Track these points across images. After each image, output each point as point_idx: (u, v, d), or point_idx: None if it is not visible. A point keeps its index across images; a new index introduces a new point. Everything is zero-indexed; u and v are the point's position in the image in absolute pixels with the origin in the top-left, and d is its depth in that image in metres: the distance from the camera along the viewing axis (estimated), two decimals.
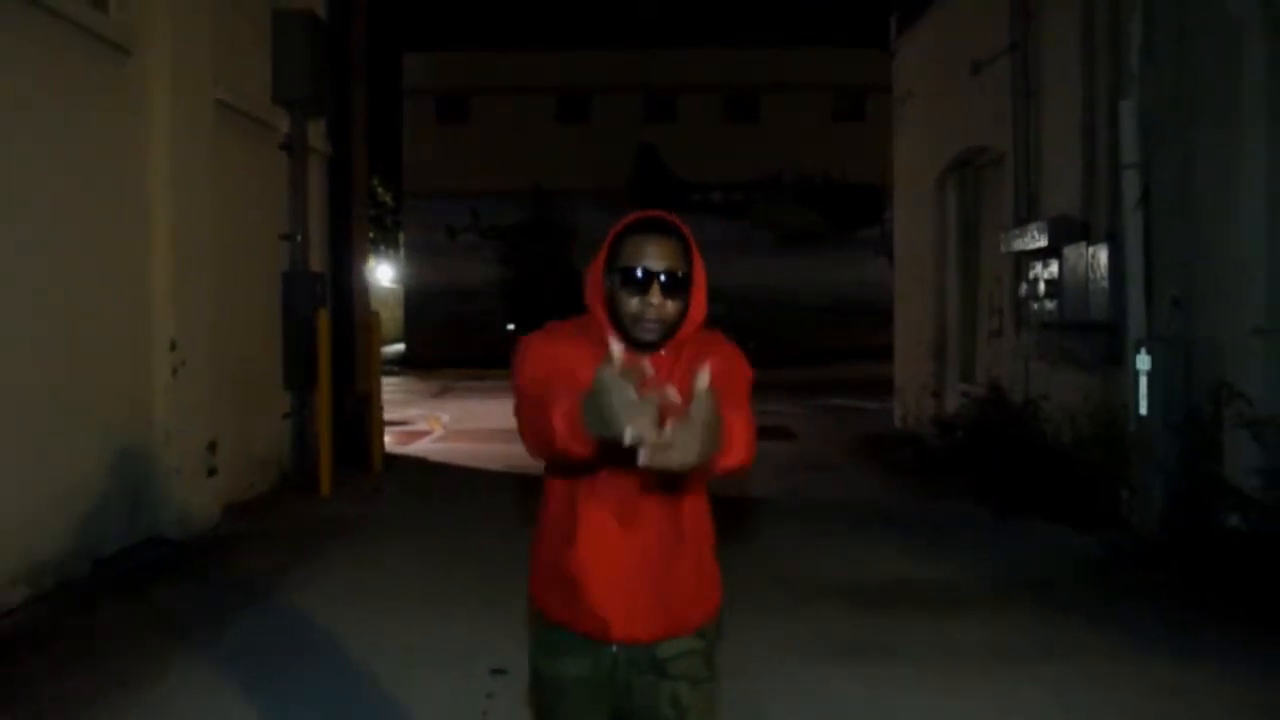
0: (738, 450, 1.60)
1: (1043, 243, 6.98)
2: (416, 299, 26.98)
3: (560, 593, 1.86)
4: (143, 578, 5.19)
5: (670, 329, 1.82)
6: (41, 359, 4.95)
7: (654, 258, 1.77)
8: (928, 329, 10.48)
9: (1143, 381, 5.54)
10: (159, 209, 6.01)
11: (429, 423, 13.46)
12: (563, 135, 26.69)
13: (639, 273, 1.77)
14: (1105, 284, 6.25)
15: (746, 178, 27.25)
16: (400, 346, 27.32)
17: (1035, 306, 7.42)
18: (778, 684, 3.78)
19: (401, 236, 29.51)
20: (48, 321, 5.02)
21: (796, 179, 27.65)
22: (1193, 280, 5.41)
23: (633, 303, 1.78)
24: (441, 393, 17.97)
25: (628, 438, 1.32)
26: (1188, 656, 4.01)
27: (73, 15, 5.22)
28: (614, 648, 1.85)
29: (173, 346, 6.03)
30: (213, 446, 6.44)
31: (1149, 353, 5.50)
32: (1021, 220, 7.69)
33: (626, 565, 1.82)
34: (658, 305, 1.77)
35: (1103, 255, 6.31)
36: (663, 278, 1.77)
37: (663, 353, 1.83)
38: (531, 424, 1.66)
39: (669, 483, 1.78)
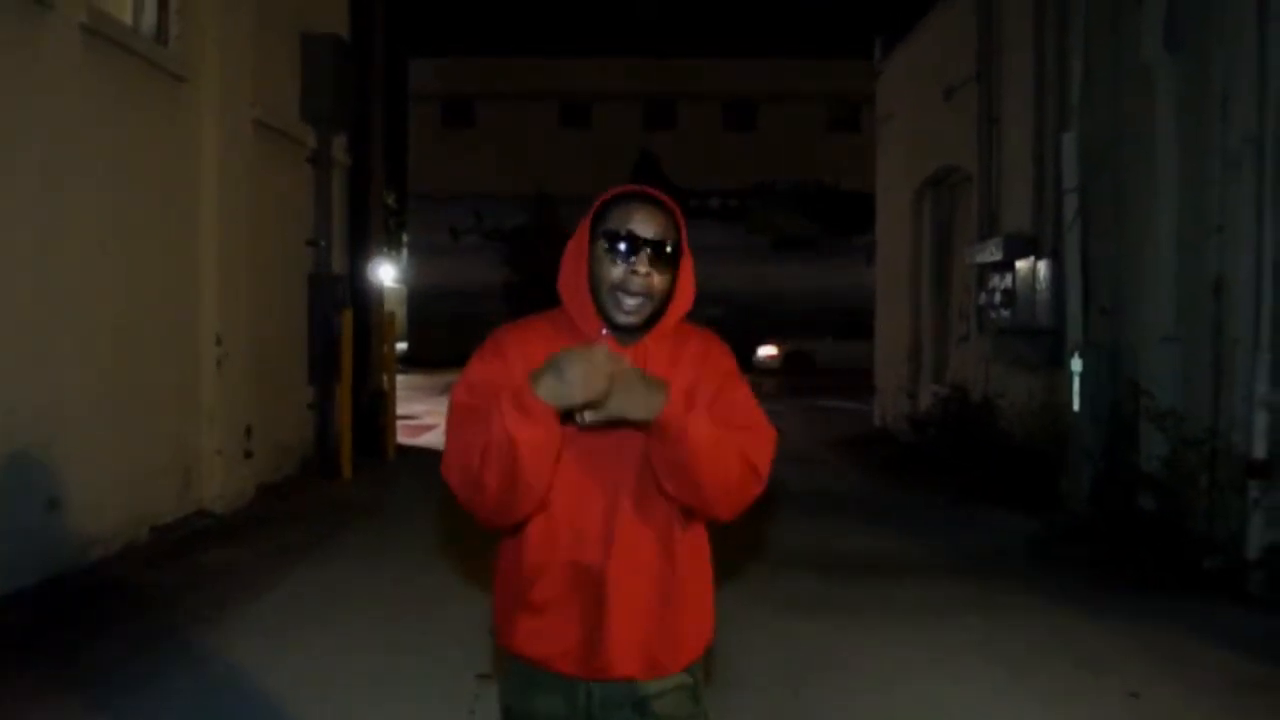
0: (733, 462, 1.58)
1: (999, 257, 7.73)
2: (420, 299, 27.73)
3: (529, 626, 1.71)
4: (195, 543, 5.93)
5: (655, 309, 1.68)
6: (110, 352, 5.67)
7: (643, 224, 1.64)
8: (904, 334, 11.23)
9: (1076, 381, 6.29)
10: (206, 217, 6.75)
11: (435, 418, 14.18)
12: (565, 141, 27.50)
13: (626, 237, 1.64)
14: (1049, 295, 6.99)
15: (743, 184, 28.02)
16: (403, 345, 28.01)
17: (993, 314, 8.16)
18: (747, 632, 4.50)
19: (405, 237, 30.24)
20: (117, 316, 5.74)
21: (792, 186, 28.44)
22: (1120, 292, 6.14)
23: (616, 271, 1.64)
24: (446, 390, 18.69)
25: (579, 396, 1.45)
26: (1086, 609, 4.76)
27: (140, 49, 5.97)
28: (588, 685, 1.70)
29: (218, 341, 6.77)
30: (249, 432, 7.18)
31: (1081, 356, 6.25)
32: (983, 235, 8.44)
33: (611, 598, 1.66)
34: (644, 276, 1.63)
35: (1048, 269, 7.06)
36: (651, 246, 1.64)
37: (647, 341, 1.70)
38: (462, 440, 1.58)
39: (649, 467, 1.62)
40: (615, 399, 1.50)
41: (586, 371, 1.47)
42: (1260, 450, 4.92)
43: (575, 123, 27.91)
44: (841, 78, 25.98)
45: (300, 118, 8.57)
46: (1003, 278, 7.90)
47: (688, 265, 1.72)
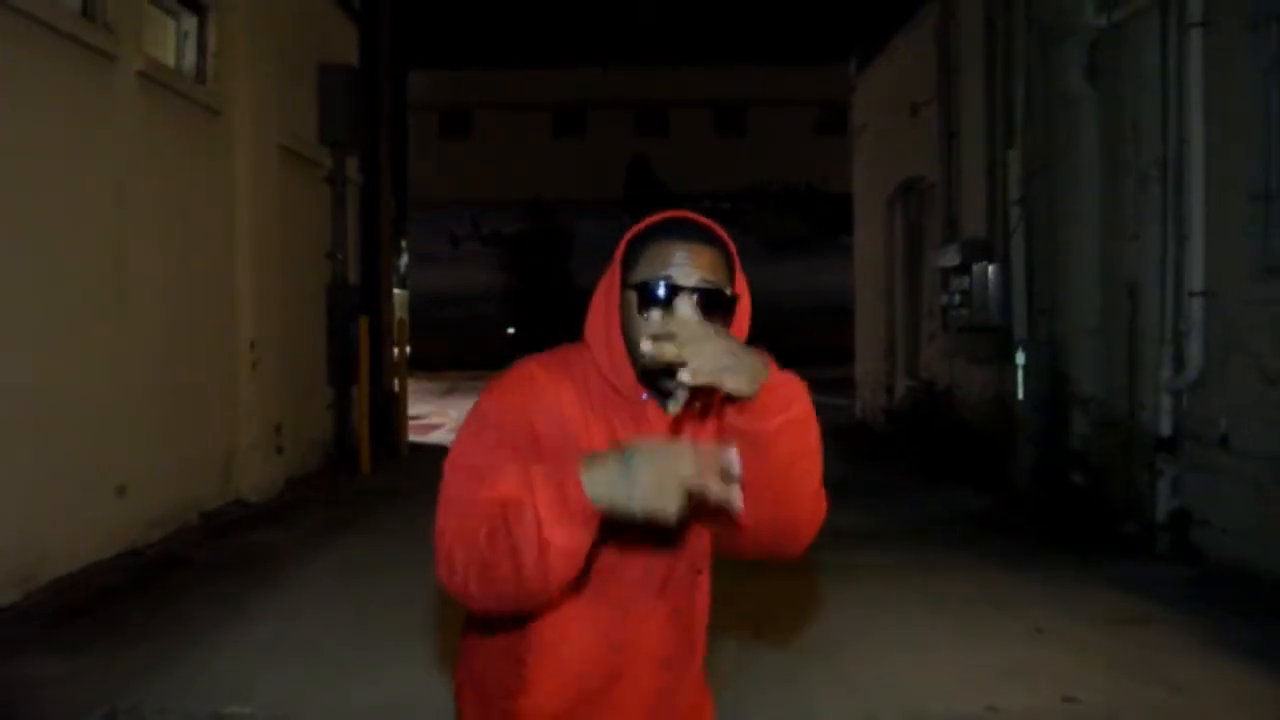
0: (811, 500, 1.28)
1: (958, 261, 8.48)
2: (421, 303, 28.52)
3: None
4: (240, 526, 6.70)
5: None
6: (165, 354, 6.43)
7: (685, 266, 1.30)
8: (880, 331, 12.01)
9: (1020, 374, 7.06)
10: (241, 233, 7.52)
11: (440, 418, 14.95)
12: (560, 148, 28.32)
13: (662, 288, 1.30)
14: (999, 296, 7.77)
15: (735, 188, 28.81)
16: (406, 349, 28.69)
17: (954, 314, 8.93)
18: (722, 589, 5.26)
19: (405, 244, 31.03)
20: (169, 322, 6.49)
21: (783, 189, 29.25)
22: (1055, 292, 6.92)
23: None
24: (448, 392, 19.49)
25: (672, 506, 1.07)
26: (1013, 567, 5.55)
27: (183, 89, 6.75)
28: None
29: (251, 346, 7.53)
30: (279, 429, 7.94)
31: (1024, 351, 7.03)
32: (946, 241, 9.21)
33: (624, 707, 1.41)
34: None
35: (998, 272, 7.83)
36: (697, 295, 1.30)
37: (697, 404, 1.34)
38: (476, 504, 1.27)
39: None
40: (723, 371, 1.18)
41: (662, 481, 1.12)
42: (1166, 429, 5.70)
43: (570, 131, 28.73)
44: (827, 83, 26.65)
45: (318, 141, 9.34)
46: (961, 280, 8.66)
47: (745, 305, 1.39)
